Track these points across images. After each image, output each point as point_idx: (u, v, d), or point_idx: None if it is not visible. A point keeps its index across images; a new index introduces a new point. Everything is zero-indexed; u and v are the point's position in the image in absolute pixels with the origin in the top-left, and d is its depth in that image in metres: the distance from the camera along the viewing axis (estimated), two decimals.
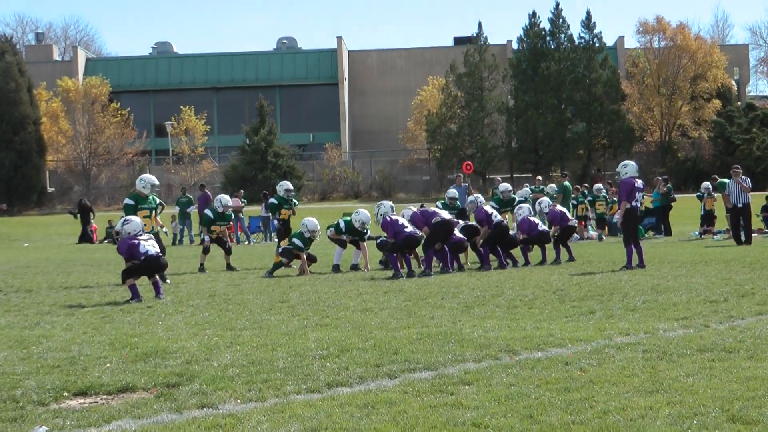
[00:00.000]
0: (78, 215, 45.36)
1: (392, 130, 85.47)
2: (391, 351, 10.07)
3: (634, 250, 20.03)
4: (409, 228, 20.38)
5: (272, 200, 24.57)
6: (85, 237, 44.25)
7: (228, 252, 23.54)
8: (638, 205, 20.67)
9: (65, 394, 8.49)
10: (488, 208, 22.33)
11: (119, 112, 78.45)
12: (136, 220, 17.23)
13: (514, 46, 79.21)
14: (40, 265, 24.23)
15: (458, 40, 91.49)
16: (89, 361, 9.97)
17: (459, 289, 16.27)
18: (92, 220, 45.51)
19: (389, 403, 7.83)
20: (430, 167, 76.65)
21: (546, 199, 24.73)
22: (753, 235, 28.22)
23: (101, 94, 78.51)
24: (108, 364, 9.73)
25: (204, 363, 9.69)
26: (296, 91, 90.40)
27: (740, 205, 27.67)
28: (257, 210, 46.79)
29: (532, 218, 22.81)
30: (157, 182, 20.19)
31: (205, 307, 14.84)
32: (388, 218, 20.42)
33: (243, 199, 43.05)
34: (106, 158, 77.05)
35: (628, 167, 20.61)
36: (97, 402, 8.25)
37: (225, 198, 24.10)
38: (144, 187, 19.74)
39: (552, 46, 74.83)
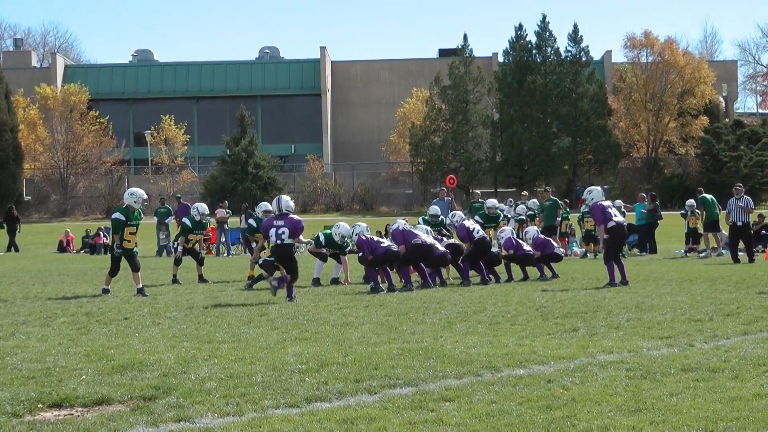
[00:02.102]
0: (4, 225, 45.03)
1: (375, 143, 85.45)
2: (371, 366, 9.96)
3: (615, 266, 19.97)
4: (386, 243, 20.34)
5: (251, 221, 22.97)
6: (14, 247, 44.02)
7: (200, 263, 23.15)
8: (622, 221, 20.66)
9: (40, 405, 8.36)
10: (470, 224, 22.19)
11: (98, 120, 78.21)
12: None
13: (500, 59, 79.28)
14: (16, 275, 24.01)
15: (443, 52, 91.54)
16: (65, 372, 9.83)
17: (441, 305, 16.18)
18: (18, 231, 45.33)
19: (369, 419, 7.74)
20: (413, 180, 76.63)
21: (533, 229, 24.40)
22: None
23: (80, 101, 78.25)
24: (84, 376, 9.59)
25: (181, 376, 9.57)
26: (278, 102, 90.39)
27: (740, 224, 27.63)
28: (237, 221, 46.66)
29: (516, 239, 22.90)
30: (146, 196, 20.12)
31: (182, 319, 14.69)
32: (363, 237, 20.32)
33: (227, 210, 42.85)
34: (84, 167, 76.76)
35: (593, 192, 20.90)
36: (72, 414, 8.13)
37: (202, 206, 23.60)
38: (135, 201, 19.57)
39: (538, 60, 74.96)
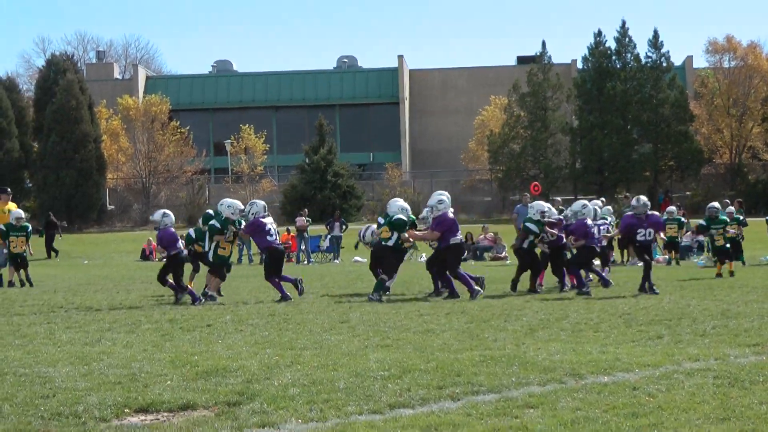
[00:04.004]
0: (43, 233, 45.66)
1: (453, 150, 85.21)
2: (453, 373, 9.93)
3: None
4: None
5: (214, 223, 20.66)
6: (53, 252, 44.82)
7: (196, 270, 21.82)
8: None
9: (127, 410, 8.45)
10: (591, 222, 21.60)
11: (179, 130, 78.87)
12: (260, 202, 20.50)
13: (579, 65, 78.67)
14: (100, 283, 24.34)
15: (521, 59, 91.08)
16: (150, 378, 9.92)
17: (522, 312, 16.09)
18: (59, 236, 46.23)
19: (452, 425, 7.71)
20: (492, 188, 76.33)
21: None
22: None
23: (161, 112, 79.00)
24: (169, 382, 9.68)
25: (264, 382, 9.61)
26: (356, 110, 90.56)
27: None
28: (318, 229, 46.97)
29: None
30: (242, 207, 20.65)
31: (264, 326, 14.77)
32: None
33: (308, 218, 43.10)
34: (165, 176, 77.46)
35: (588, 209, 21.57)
36: (158, 419, 8.20)
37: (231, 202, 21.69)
38: (233, 213, 20.28)
39: (618, 66, 74.15)
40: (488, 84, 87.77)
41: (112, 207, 76.52)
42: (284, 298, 19.37)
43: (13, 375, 10.20)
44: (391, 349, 11.82)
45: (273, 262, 20.27)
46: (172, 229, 20.00)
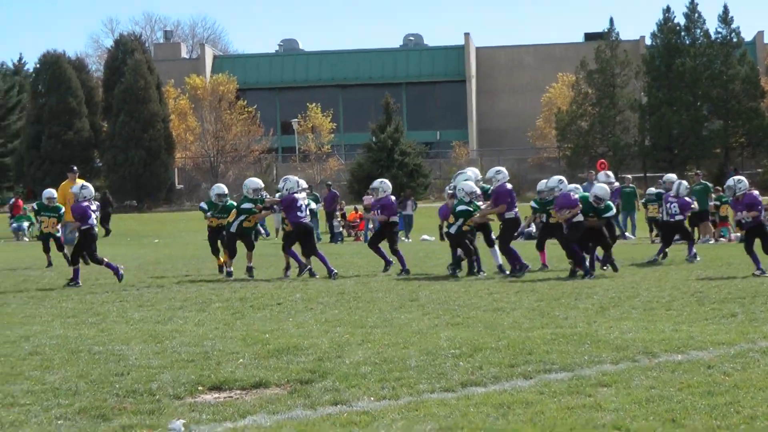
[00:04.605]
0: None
1: (520, 128, 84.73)
2: (525, 351, 9.90)
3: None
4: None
5: (250, 206, 20.96)
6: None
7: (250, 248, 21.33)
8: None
9: (200, 388, 8.51)
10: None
11: (246, 109, 79.11)
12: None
13: (647, 41, 77.82)
14: (170, 261, 24.55)
15: (589, 36, 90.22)
16: (222, 356, 9.99)
17: (593, 290, 15.97)
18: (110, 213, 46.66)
19: (525, 403, 7.68)
20: (559, 166, 75.82)
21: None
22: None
23: (228, 91, 79.33)
24: (241, 360, 9.74)
25: (336, 360, 9.64)
26: (423, 88, 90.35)
27: None
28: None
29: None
30: (261, 185, 21.52)
31: (334, 304, 14.81)
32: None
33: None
34: (233, 155, 77.79)
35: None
36: (231, 397, 8.25)
37: (254, 181, 21.63)
38: (254, 191, 21.24)
39: (687, 42, 73.21)
40: (555, 61, 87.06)
41: (181, 186, 77.07)
42: (302, 268, 20.17)
43: (88, 353, 10.32)
44: (462, 328, 11.80)
45: (297, 236, 20.42)
46: (86, 204, 19.57)
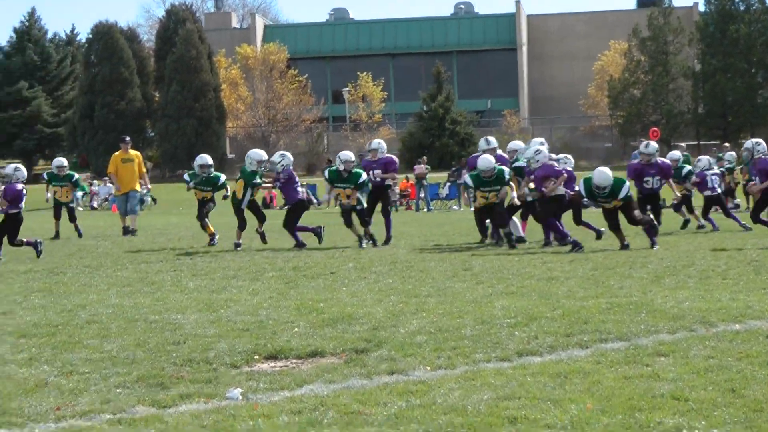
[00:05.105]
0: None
1: (573, 96, 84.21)
2: (580, 320, 9.84)
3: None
4: None
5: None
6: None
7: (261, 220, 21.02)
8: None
9: (256, 357, 8.53)
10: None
11: (297, 78, 79.25)
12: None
13: (701, 8, 77.12)
14: (223, 231, 24.63)
15: (641, 3, 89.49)
16: (277, 325, 10.01)
17: (647, 259, 15.84)
18: None
19: (582, 373, 7.64)
20: (612, 134, 75.42)
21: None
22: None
23: (279, 60, 79.49)
24: (296, 329, 9.75)
25: (391, 329, 9.63)
26: (474, 57, 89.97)
27: None
28: (437, 177, 46.99)
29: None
30: (264, 158, 20.64)
31: (387, 273, 14.79)
32: None
33: (427, 166, 43.06)
34: (284, 125, 78.01)
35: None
36: (287, 366, 8.27)
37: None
38: (250, 164, 20.46)
39: (741, 8, 72.39)
40: (608, 28, 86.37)
41: (233, 155, 77.39)
42: (300, 245, 19.63)
43: (144, 321, 10.39)
44: (516, 297, 11.75)
45: (298, 213, 20.21)
46: (20, 186, 18.74)
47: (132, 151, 24.92)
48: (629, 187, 18.01)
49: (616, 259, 15.96)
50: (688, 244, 18.88)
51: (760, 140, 20.32)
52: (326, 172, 20.69)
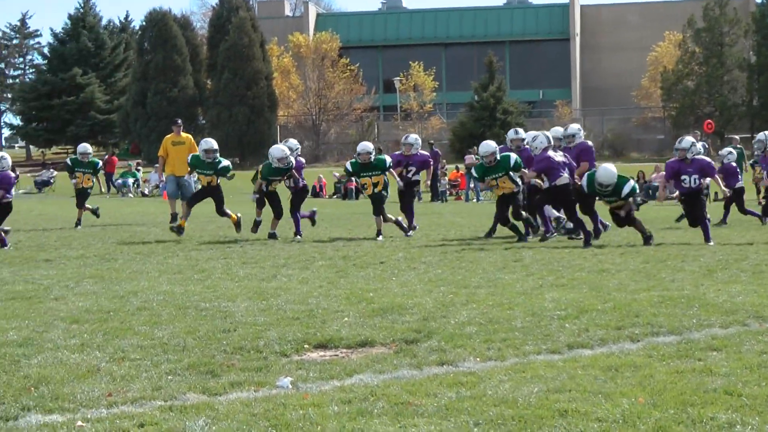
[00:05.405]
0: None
1: (625, 88, 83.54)
2: (632, 314, 9.78)
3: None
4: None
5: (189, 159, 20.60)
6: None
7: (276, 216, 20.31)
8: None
9: (306, 346, 8.56)
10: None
11: (348, 67, 79.23)
12: None
13: None
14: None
15: None
16: (327, 314, 10.03)
17: (699, 253, 15.72)
18: None
19: (634, 366, 7.59)
20: (664, 126, 74.78)
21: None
22: None
23: (331, 49, 79.47)
24: (346, 318, 9.76)
25: (441, 320, 9.62)
26: (526, 47, 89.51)
27: None
28: None
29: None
30: (283, 155, 19.72)
31: (437, 264, 14.78)
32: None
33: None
34: (335, 114, 78.03)
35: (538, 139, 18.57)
36: (337, 355, 8.29)
37: (279, 149, 20.10)
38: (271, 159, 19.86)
39: None
40: (662, 19, 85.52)
41: None
42: (298, 233, 19.57)
43: (195, 309, 10.44)
44: (567, 289, 11.70)
45: (301, 199, 20.38)
46: (13, 174, 18.75)
47: (184, 134, 24.61)
48: (633, 186, 17.41)
49: (667, 252, 15.85)
50: (741, 237, 18.73)
51: None
52: (348, 165, 20.45)
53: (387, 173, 19.72)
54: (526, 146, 19.22)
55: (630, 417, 6.22)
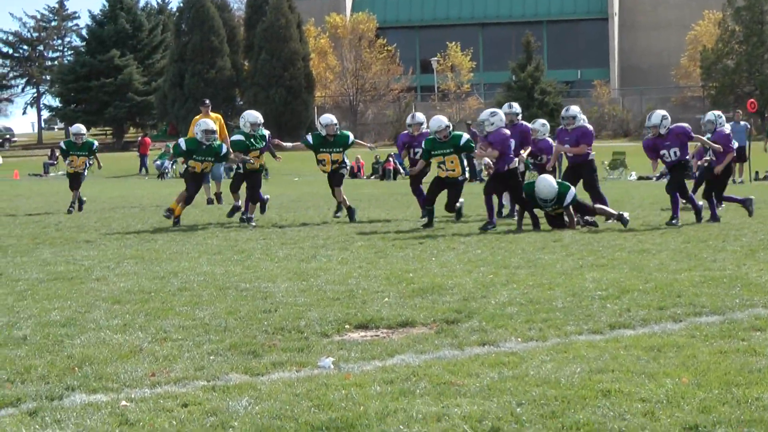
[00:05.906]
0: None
1: (664, 67, 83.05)
2: (673, 294, 9.72)
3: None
4: None
5: (237, 137, 19.29)
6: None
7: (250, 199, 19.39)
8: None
9: (347, 326, 8.56)
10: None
11: (385, 48, 79.18)
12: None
13: None
14: (312, 200, 24.73)
15: None
16: (367, 294, 10.02)
17: (741, 232, 15.59)
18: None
19: (676, 347, 7.54)
20: (704, 105, 74.23)
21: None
22: None
23: (368, 30, 79.41)
24: (386, 299, 9.76)
25: (481, 300, 9.60)
26: (564, 26, 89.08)
27: None
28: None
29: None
30: (257, 121, 19.18)
31: (476, 244, 14.73)
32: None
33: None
34: (372, 94, 78.05)
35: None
36: (378, 335, 8.28)
37: (253, 115, 19.64)
38: (244, 125, 19.15)
39: None
40: None
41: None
42: (236, 209, 19.38)
43: (235, 290, 10.46)
44: (607, 269, 11.64)
45: (255, 181, 19.27)
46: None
47: (213, 114, 24.14)
48: (574, 195, 16.81)
49: (708, 232, 15.73)
50: None
51: None
52: (309, 137, 19.53)
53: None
54: (521, 122, 18.86)
55: (674, 397, 6.18)
